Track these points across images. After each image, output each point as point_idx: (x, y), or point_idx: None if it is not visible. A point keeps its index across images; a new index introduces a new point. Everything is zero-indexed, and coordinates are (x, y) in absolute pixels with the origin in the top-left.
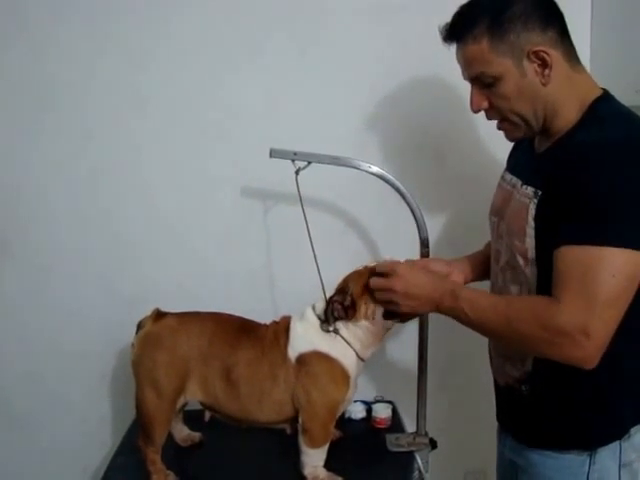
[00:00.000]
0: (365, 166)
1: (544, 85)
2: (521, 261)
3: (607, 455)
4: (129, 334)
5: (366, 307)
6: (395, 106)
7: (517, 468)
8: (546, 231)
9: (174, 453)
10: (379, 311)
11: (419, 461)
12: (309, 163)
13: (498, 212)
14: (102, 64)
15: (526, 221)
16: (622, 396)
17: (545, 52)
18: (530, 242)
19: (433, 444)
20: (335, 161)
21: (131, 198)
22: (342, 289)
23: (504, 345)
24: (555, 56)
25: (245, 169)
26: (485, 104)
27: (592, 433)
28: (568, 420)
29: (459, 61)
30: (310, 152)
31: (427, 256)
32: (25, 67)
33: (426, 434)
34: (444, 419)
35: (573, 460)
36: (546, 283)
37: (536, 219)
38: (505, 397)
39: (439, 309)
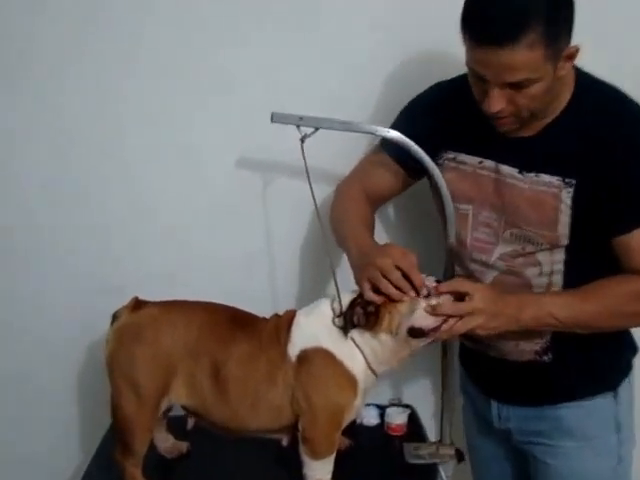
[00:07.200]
0: (383, 131)
1: (559, 78)
2: (547, 247)
3: (624, 394)
4: (106, 327)
5: (390, 318)
6: (419, 64)
7: (529, 435)
8: (586, 217)
9: (157, 465)
10: (404, 326)
11: (443, 475)
12: (317, 129)
13: (472, 200)
14: (88, 25)
15: (558, 210)
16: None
17: (577, 49)
18: (564, 230)
19: (460, 456)
20: (347, 127)
21: (109, 171)
22: None
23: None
24: None
25: (241, 137)
26: (504, 104)
27: (614, 370)
28: (594, 367)
29: (493, 65)
30: (318, 116)
31: (449, 223)
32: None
33: (452, 444)
34: None
35: (601, 403)
36: (575, 265)
37: (574, 207)
38: (519, 372)
39: (520, 322)
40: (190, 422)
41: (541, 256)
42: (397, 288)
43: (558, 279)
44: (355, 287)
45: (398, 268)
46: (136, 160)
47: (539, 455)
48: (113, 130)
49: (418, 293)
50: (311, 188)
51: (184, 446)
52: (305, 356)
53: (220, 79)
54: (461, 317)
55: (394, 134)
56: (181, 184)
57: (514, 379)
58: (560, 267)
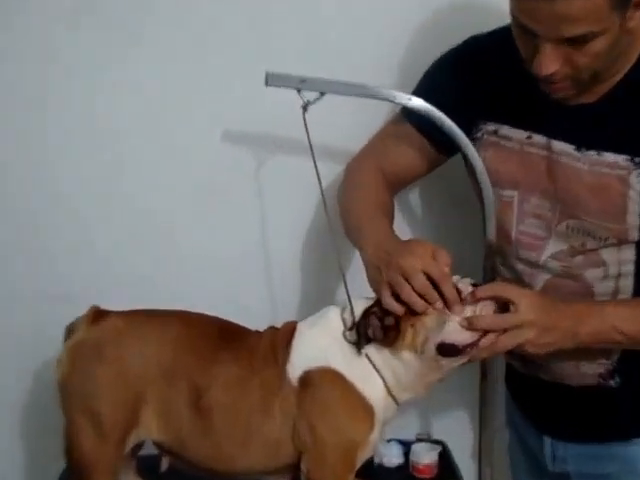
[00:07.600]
0: (403, 98)
1: (627, 31)
2: (613, 242)
3: None
4: (60, 344)
5: (414, 332)
6: (450, 12)
7: (592, 479)
8: None
9: None
10: (432, 342)
11: None
12: (322, 94)
13: (518, 184)
14: None
15: (627, 197)
16: None
17: None
18: (634, 221)
19: None
20: (360, 91)
21: (72, 149)
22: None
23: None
24: None
25: (230, 105)
26: (558, 65)
27: None
28: None
29: (545, 16)
30: (323, 78)
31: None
32: None
33: None
34: None
35: None
36: None
37: None
38: (579, 401)
39: (577, 337)
40: (164, 462)
41: (606, 254)
42: (422, 297)
43: (627, 284)
44: (371, 293)
45: (426, 273)
46: (108, 139)
47: None
48: (84, 105)
49: (449, 307)
50: (316, 168)
51: None
52: (309, 378)
53: (204, 38)
54: (505, 330)
55: (417, 102)
56: (159, 168)
57: (573, 409)
58: (630, 268)
